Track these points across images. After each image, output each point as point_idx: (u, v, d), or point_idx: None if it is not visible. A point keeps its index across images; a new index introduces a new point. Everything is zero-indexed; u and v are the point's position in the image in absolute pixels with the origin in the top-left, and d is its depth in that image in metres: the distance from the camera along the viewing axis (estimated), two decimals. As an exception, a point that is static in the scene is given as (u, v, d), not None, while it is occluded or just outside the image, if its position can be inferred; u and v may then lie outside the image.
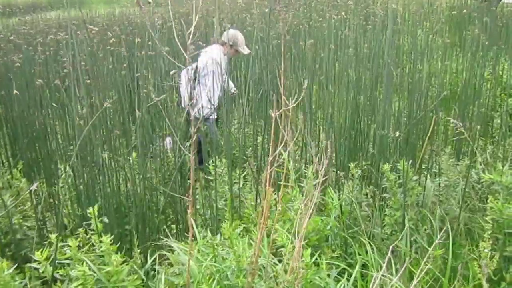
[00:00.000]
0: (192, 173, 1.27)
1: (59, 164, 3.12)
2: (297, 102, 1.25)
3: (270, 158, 1.25)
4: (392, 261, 2.15)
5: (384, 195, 2.41)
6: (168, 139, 3.59)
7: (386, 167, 2.36)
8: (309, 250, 1.60)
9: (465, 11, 6.63)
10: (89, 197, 2.36)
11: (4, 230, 2.70)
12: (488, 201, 2.25)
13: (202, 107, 3.69)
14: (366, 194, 2.58)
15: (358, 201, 2.51)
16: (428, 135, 2.44)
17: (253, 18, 5.70)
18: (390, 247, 1.42)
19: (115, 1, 18.19)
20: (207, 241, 1.64)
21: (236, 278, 1.45)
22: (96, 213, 1.70)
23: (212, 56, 3.99)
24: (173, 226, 2.50)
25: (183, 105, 3.95)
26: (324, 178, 2.49)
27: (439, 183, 2.71)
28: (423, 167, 3.05)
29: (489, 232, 1.86)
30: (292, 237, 2.01)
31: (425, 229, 2.23)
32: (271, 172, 1.27)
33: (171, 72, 2.68)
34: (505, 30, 6.40)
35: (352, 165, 2.58)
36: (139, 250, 1.78)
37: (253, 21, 5.57)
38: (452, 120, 3.04)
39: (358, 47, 4.69)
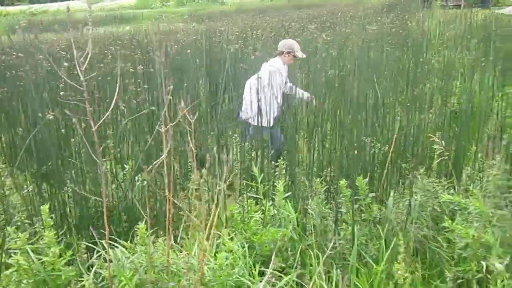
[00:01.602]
0: (102, 177, 1.47)
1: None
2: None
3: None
4: (340, 275, 2.22)
5: (342, 210, 2.49)
6: None
7: (343, 182, 2.45)
8: (223, 253, 1.74)
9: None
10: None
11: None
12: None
13: (261, 115, 3.85)
14: (330, 208, 2.66)
15: (322, 215, 2.60)
16: (392, 149, 2.49)
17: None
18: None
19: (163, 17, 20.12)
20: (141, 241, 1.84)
21: (147, 274, 1.63)
22: (47, 210, 1.96)
23: (269, 69, 4.25)
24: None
25: (241, 114, 4.33)
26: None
27: (410, 203, 2.72)
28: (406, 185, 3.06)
29: (403, 255, 1.89)
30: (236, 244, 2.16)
31: (373, 245, 2.28)
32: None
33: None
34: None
35: (318, 180, 2.68)
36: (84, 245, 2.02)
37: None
38: (435, 139, 3.05)
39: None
